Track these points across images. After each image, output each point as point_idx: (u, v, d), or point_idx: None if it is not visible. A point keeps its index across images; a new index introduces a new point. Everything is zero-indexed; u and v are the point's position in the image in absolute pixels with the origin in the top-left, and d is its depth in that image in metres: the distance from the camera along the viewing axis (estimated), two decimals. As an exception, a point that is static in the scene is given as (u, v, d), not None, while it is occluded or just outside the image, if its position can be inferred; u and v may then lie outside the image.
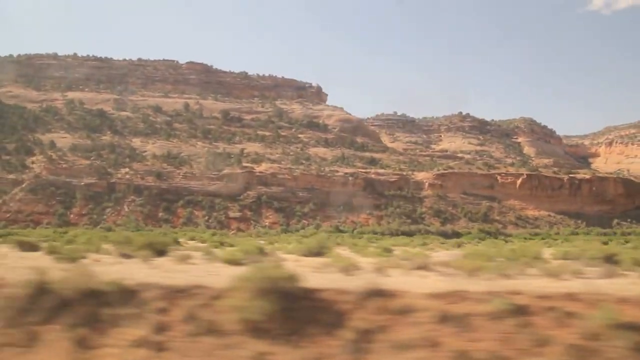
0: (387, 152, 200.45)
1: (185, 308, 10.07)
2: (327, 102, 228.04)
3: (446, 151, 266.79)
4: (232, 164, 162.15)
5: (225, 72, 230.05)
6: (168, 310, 10.06)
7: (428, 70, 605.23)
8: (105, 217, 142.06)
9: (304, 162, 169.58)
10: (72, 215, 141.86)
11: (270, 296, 9.66)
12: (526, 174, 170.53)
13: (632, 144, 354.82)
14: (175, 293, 10.50)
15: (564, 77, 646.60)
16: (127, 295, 10.42)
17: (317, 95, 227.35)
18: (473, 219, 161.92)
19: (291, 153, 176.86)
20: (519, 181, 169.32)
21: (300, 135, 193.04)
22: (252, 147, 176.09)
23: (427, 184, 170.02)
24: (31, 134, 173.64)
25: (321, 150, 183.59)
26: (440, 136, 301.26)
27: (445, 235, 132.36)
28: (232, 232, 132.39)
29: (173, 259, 17.83)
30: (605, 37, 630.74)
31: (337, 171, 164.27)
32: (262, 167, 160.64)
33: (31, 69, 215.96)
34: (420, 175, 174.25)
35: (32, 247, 17.92)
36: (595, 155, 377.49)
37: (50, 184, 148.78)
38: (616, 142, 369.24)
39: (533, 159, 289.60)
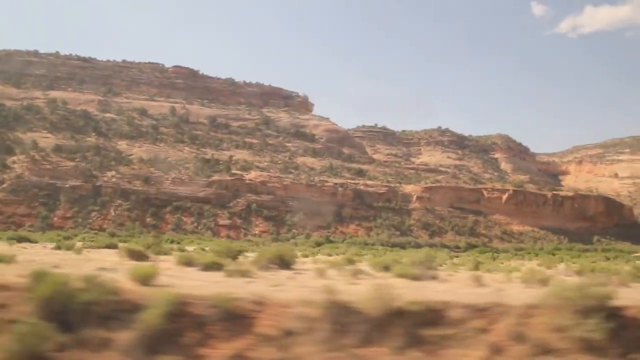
0: (373, 164, 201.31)
1: (507, 327, 9.56)
2: (313, 112, 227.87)
3: (426, 165, 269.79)
4: (220, 170, 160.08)
5: (211, 78, 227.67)
6: (488, 330, 9.54)
7: (405, 83, 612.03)
8: (90, 220, 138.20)
9: (293, 171, 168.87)
10: (55, 218, 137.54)
11: (594, 314, 9.32)
12: (512, 190, 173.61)
13: (601, 164, 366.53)
14: (481, 312, 9.97)
15: (534, 96, 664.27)
16: (434, 314, 9.85)
17: (304, 104, 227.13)
18: (460, 232, 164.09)
19: (279, 162, 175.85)
20: (504, 196, 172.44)
21: (287, 144, 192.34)
22: (240, 155, 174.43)
23: (415, 196, 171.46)
24: (11, 132, 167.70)
25: (309, 160, 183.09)
26: (420, 149, 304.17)
27: (435, 248, 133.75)
28: (223, 239, 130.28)
29: (343, 274, 17.07)
30: (572, 59, 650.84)
31: (327, 181, 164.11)
32: (252, 175, 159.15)
33: (10, 65, 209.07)
34: (408, 188, 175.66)
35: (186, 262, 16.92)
36: (566, 172, 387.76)
37: (32, 185, 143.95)
38: (585, 161, 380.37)
39: (510, 175, 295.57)
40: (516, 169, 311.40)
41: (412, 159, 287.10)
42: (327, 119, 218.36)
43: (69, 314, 8.41)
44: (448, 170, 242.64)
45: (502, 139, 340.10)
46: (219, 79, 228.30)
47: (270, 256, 19.41)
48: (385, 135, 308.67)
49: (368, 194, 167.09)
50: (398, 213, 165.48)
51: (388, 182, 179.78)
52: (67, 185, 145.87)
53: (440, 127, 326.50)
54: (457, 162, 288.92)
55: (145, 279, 10.63)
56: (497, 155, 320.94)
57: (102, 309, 8.49)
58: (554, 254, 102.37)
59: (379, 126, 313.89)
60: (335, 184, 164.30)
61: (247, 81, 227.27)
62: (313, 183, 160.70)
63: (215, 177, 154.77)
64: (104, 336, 8.15)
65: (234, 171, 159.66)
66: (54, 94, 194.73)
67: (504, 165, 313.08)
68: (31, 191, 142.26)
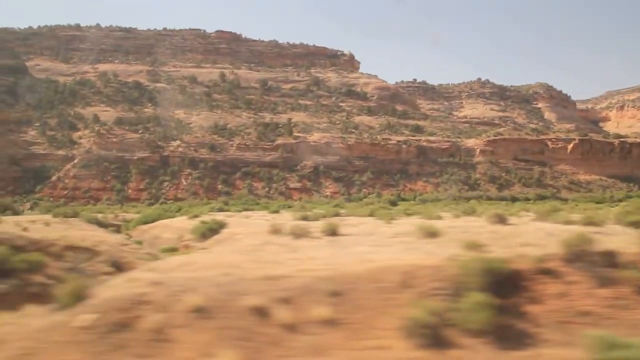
0: (428, 120, 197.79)
1: None
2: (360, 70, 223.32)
3: (468, 117, 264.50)
4: (282, 134, 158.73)
5: (255, 41, 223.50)
6: None
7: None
8: (163, 191, 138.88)
9: (353, 130, 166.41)
10: (130, 191, 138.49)
11: None
12: (578, 139, 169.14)
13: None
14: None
15: (560, 45, 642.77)
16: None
17: (350, 63, 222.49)
18: (527, 184, 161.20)
19: (337, 122, 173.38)
20: (570, 146, 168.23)
21: (341, 104, 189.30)
22: (297, 117, 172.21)
23: (478, 150, 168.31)
24: (70, 108, 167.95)
25: (365, 119, 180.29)
26: (462, 103, 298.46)
27: (505, 200, 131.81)
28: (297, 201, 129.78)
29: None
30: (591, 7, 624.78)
31: (390, 139, 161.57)
32: (315, 137, 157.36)
33: (55, 40, 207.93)
34: (470, 142, 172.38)
35: None
36: (606, 119, 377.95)
37: (102, 159, 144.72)
38: (628, 106, 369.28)
39: (555, 124, 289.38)
40: (560, 118, 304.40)
41: (455, 113, 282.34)
42: (375, 76, 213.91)
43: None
44: (494, 122, 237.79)
45: (543, 88, 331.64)
46: (262, 41, 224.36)
47: None
48: (425, 90, 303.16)
49: (431, 149, 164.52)
50: (463, 168, 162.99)
51: (448, 137, 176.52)
52: (135, 157, 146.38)
53: (479, 79, 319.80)
54: (501, 114, 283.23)
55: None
56: (539, 105, 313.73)
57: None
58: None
59: (417, 81, 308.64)
60: (398, 141, 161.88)
61: (290, 42, 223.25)
62: (377, 142, 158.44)
63: (280, 141, 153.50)
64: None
65: (295, 134, 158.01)
66: (102, 67, 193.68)
67: (548, 115, 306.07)
68: (102, 165, 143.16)
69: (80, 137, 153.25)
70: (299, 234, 19.89)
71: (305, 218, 33.70)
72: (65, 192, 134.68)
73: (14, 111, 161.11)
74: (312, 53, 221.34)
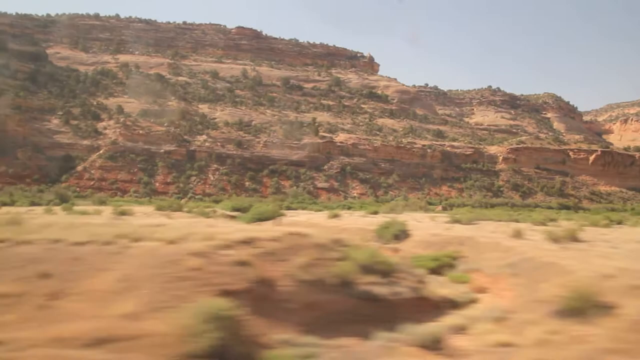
0: (447, 125, 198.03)
1: None
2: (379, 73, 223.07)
3: (484, 124, 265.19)
4: (307, 133, 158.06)
5: (275, 39, 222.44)
6: None
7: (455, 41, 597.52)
8: (191, 185, 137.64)
9: (377, 132, 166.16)
10: (157, 184, 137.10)
11: None
12: (600, 151, 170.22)
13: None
14: None
15: (561, 56, 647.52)
16: None
17: (370, 65, 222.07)
18: (549, 193, 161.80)
19: (361, 124, 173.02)
20: (592, 157, 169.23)
21: (363, 106, 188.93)
22: (322, 117, 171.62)
23: (500, 157, 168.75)
24: (92, 98, 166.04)
25: (388, 121, 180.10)
26: (473, 109, 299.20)
27: (530, 208, 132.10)
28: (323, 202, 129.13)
29: None
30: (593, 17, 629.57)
31: (415, 143, 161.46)
32: (341, 137, 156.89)
33: (74, 29, 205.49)
34: (492, 149, 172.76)
35: None
36: (609, 132, 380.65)
37: (128, 150, 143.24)
38: (632, 120, 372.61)
39: (564, 134, 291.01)
40: (569, 129, 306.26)
41: (466, 119, 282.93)
42: (395, 79, 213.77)
43: None
44: (512, 130, 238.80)
45: (552, 98, 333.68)
46: (283, 39, 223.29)
47: None
48: (437, 95, 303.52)
49: (455, 155, 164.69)
50: (486, 174, 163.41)
51: (469, 143, 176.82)
52: (162, 150, 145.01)
53: (490, 87, 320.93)
54: (511, 122, 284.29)
55: None
56: (549, 115, 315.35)
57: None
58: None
59: (429, 86, 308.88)
60: (423, 145, 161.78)
61: (310, 41, 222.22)
62: (402, 145, 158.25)
63: (306, 140, 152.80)
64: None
65: (322, 133, 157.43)
66: (123, 57, 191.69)
67: (557, 125, 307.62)
68: (128, 157, 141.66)
69: (105, 128, 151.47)
70: (562, 239, 19.35)
71: (457, 221, 33.14)
72: (92, 183, 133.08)
73: (36, 99, 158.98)
74: (332, 53, 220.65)
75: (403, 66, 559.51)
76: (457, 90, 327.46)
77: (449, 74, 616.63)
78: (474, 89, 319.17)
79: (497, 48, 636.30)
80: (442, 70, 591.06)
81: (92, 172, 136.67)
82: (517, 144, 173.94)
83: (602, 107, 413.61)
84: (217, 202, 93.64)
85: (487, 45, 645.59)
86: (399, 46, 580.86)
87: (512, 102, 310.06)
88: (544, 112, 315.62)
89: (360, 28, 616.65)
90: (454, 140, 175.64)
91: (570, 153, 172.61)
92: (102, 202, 78.79)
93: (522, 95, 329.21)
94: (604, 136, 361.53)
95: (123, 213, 37.63)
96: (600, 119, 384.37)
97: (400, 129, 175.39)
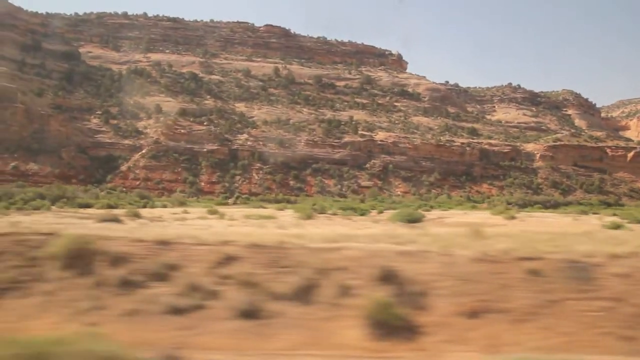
0: (480, 123, 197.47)
1: None
2: (407, 70, 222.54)
3: (499, 121, 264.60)
4: (346, 131, 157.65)
5: (304, 37, 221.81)
6: None
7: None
8: (236, 185, 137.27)
9: (415, 131, 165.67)
10: (202, 183, 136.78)
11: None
12: (639, 148, 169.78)
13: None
14: None
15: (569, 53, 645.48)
16: None
17: (398, 62, 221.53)
18: (588, 190, 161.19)
19: (397, 122, 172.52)
20: (630, 154, 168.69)
21: (396, 104, 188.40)
22: (358, 115, 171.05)
23: (538, 155, 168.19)
24: (128, 97, 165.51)
25: (423, 119, 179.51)
26: (494, 107, 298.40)
27: (572, 205, 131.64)
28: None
29: None
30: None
31: (454, 141, 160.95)
32: (381, 136, 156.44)
33: (104, 28, 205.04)
34: (529, 147, 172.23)
35: None
36: (625, 128, 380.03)
37: (171, 150, 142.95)
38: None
39: (586, 131, 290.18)
40: (590, 126, 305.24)
41: (487, 117, 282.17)
42: (424, 77, 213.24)
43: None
44: (542, 127, 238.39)
45: (571, 95, 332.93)
46: (311, 37, 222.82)
47: None
48: (458, 93, 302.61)
49: (493, 153, 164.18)
50: (524, 172, 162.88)
51: (506, 141, 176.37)
52: (205, 150, 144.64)
53: (510, 84, 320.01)
54: (534, 119, 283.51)
55: None
56: (569, 112, 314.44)
57: None
58: None
59: (450, 83, 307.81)
60: (462, 143, 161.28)
61: (338, 39, 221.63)
62: (442, 143, 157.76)
63: (347, 139, 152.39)
64: None
65: (361, 132, 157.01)
66: (154, 56, 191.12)
67: (578, 122, 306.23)
68: (171, 156, 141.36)
69: (145, 127, 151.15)
70: None
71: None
72: (138, 183, 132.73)
73: (74, 98, 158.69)
74: (361, 51, 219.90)
75: (417, 64, 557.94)
76: (476, 87, 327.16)
77: (463, 71, 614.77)
78: (494, 87, 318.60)
79: (505, 44, 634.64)
80: (454, 68, 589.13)
81: (137, 172, 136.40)
82: (554, 142, 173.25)
83: (614, 103, 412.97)
84: (289, 202, 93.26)
85: (496, 42, 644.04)
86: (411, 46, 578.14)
87: (532, 99, 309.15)
88: (564, 109, 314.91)
89: (362, 28, 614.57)
90: (489, 138, 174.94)
91: (608, 150, 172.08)
92: (182, 204, 78.61)
93: (542, 92, 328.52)
94: (621, 132, 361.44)
95: (269, 217, 37.31)
96: (613, 115, 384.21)
97: (436, 127, 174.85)
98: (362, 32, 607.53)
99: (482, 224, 34.47)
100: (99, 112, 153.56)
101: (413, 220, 42.90)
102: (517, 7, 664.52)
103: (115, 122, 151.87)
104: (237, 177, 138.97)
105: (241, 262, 9.96)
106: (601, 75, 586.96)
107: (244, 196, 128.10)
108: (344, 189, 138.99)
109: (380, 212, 61.50)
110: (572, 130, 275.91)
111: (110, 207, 56.56)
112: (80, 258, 10.00)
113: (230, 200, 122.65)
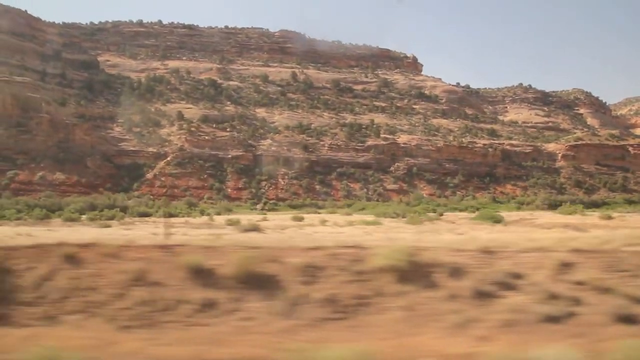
0: (498, 124, 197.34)
1: None
2: (422, 73, 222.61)
3: (515, 122, 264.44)
4: (368, 135, 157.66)
5: (319, 41, 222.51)
6: None
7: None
8: (262, 190, 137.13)
9: (436, 133, 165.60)
10: (229, 190, 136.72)
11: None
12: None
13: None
14: None
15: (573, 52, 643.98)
16: None
17: (414, 65, 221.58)
18: (612, 189, 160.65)
19: (417, 124, 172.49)
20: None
21: (415, 106, 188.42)
22: (378, 119, 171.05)
23: (560, 155, 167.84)
24: (149, 104, 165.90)
25: (442, 122, 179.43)
26: (506, 107, 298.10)
27: (597, 205, 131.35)
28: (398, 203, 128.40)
29: None
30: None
31: (476, 142, 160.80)
32: (404, 139, 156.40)
33: (120, 37, 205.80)
34: (550, 147, 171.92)
35: None
36: (635, 126, 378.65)
37: (196, 157, 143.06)
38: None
39: (599, 130, 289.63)
40: (603, 124, 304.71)
41: (500, 117, 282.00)
42: (440, 79, 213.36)
43: None
44: (560, 127, 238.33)
45: (583, 94, 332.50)
46: (326, 41, 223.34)
47: None
48: (470, 94, 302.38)
49: (515, 153, 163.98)
50: (547, 172, 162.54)
51: (526, 141, 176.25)
52: (230, 156, 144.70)
53: (521, 84, 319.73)
54: (546, 119, 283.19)
55: None
56: (581, 111, 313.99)
57: None
58: None
59: (461, 85, 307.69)
60: (484, 144, 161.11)
61: (353, 43, 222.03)
62: (464, 145, 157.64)
63: (370, 142, 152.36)
64: None
65: (383, 135, 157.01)
66: (171, 63, 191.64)
67: (591, 121, 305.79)
68: (196, 163, 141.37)
69: (169, 135, 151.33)
70: None
71: None
72: (165, 190, 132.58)
73: (95, 107, 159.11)
74: (376, 55, 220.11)
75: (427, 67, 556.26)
76: (487, 88, 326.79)
77: (471, 73, 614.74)
78: (505, 87, 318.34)
79: (505, 44, 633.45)
80: (462, 70, 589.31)
81: (163, 179, 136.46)
82: (575, 141, 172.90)
83: (621, 100, 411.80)
84: (318, 207, 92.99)
85: (496, 42, 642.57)
86: (419, 47, 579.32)
87: (544, 99, 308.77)
88: (576, 109, 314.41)
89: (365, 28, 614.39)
90: (509, 138, 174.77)
91: (630, 148, 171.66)
92: (229, 210, 78.58)
93: (553, 91, 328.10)
94: (631, 130, 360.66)
95: (374, 223, 37.16)
96: (620, 112, 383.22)
97: (456, 129, 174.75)
98: (362, 33, 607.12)
99: (583, 225, 34.30)
100: (121, 120, 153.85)
101: (497, 221, 42.81)
102: (517, 7, 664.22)
103: (137, 129, 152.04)
104: (264, 183, 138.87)
105: (579, 268, 9.86)
106: (603, 73, 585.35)
107: (271, 202, 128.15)
108: (370, 193, 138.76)
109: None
110: (585, 130, 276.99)
111: (171, 215, 56.61)
112: (414, 271, 9.89)
113: (258, 206, 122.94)
